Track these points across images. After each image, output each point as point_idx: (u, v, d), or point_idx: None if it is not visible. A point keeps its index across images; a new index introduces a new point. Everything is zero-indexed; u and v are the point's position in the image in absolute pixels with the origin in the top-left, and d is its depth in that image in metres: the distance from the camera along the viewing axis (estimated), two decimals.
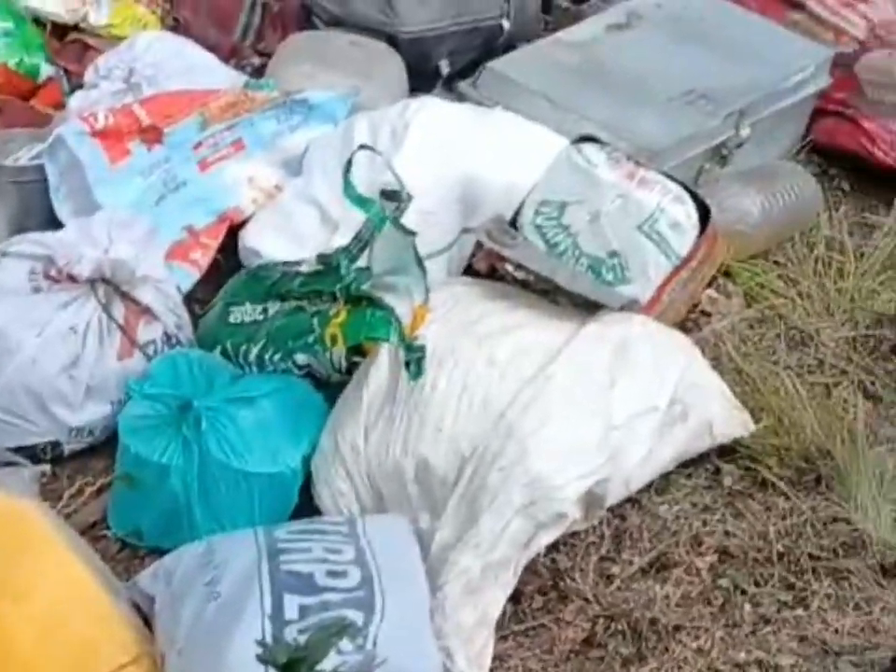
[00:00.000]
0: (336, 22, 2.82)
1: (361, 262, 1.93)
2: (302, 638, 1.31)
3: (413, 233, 1.93)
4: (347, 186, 1.96)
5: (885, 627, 1.77)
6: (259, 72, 2.82)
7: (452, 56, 2.87)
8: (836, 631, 1.77)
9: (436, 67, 2.85)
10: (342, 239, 2.09)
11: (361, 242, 1.93)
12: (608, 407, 1.89)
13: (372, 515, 1.81)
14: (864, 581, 1.84)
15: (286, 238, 2.23)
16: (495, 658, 1.71)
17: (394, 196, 1.95)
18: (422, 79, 2.80)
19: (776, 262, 2.58)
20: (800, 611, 1.79)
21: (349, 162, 1.95)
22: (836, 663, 1.69)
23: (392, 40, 2.78)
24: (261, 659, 1.12)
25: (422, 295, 1.88)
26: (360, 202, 1.97)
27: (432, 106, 2.34)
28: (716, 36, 2.76)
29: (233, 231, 2.31)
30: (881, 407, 2.26)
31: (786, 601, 1.81)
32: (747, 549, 1.90)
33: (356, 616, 1.49)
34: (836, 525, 1.93)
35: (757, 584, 1.84)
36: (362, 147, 2.03)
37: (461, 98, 2.62)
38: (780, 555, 1.88)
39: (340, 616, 1.45)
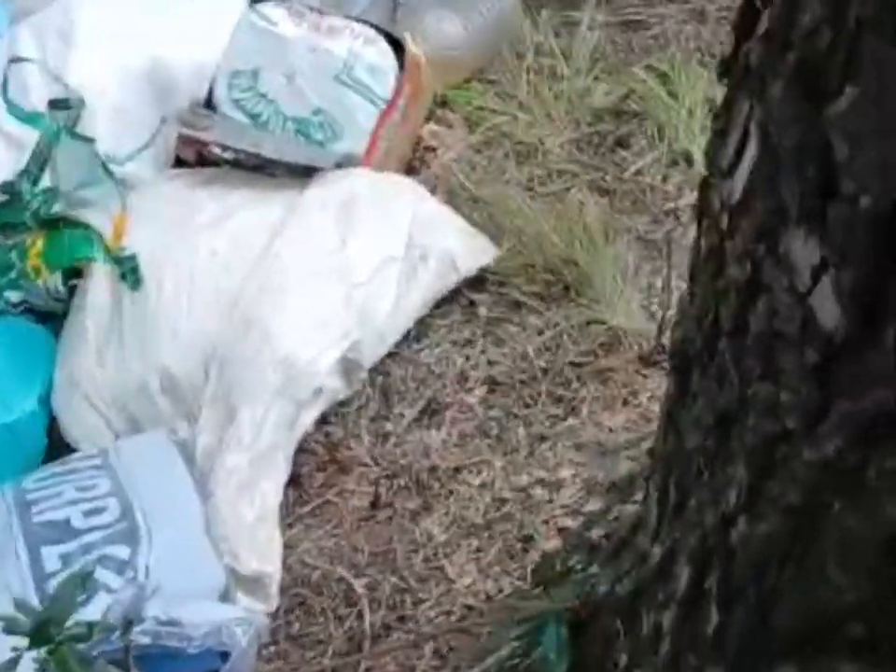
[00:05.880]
0: None
1: (46, 182, 1.81)
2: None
3: (91, 140, 1.81)
4: (8, 105, 1.81)
5: (654, 414, 1.80)
6: None
7: None
8: (610, 430, 1.80)
9: None
10: None
11: (39, 161, 1.80)
12: (344, 268, 1.84)
13: (126, 438, 1.74)
14: (627, 375, 1.87)
15: None
16: (285, 547, 1.68)
17: (63, 104, 1.81)
18: None
19: (490, 81, 2.54)
20: (572, 420, 1.81)
21: (4, 80, 1.80)
22: (615, 462, 1.72)
23: None
24: (7, 631, 1.06)
25: (117, 202, 1.77)
26: (28, 118, 1.82)
27: None
28: None
29: None
30: (615, 199, 2.28)
31: (557, 414, 1.82)
32: (512, 373, 1.90)
33: (121, 551, 1.44)
34: (591, 327, 1.94)
35: (527, 406, 1.84)
36: (13, 60, 1.88)
37: None
38: (544, 371, 1.89)
39: (94, 559, 1.38)
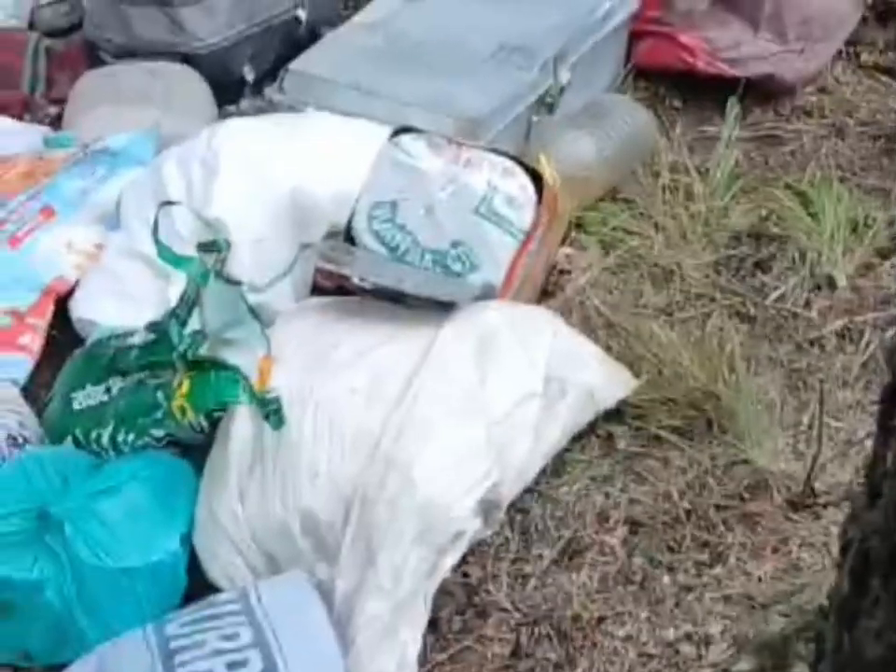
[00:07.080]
0: (125, 53, 2.68)
1: (194, 323, 1.82)
2: None
3: (238, 283, 1.83)
4: (160, 249, 1.84)
5: (806, 563, 1.74)
6: (58, 120, 2.67)
7: (254, 60, 2.75)
8: (759, 580, 1.73)
9: (240, 76, 2.73)
10: (176, 289, 1.98)
11: (188, 303, 1.82)
12: (483, 406, 1.82)
13: (267, 580, 1.72)
14: (775, 520, 1.81)
15: (118, 299, 2.11)
16: None
17: (211, 247, 1.83)
18: (228, 92, 2.68)
19: (624, 200, 2.52)
20: (719, 569, 1.75)
21: (156, 224, 1.83)
22: (766, 617, 1.65)
23: (188, 59, 2.66)
24: None
25: (263, 344, 1.78)
26: (177, 262, 1.85)
27: (238, 128, 2.22)
28: None
29: (62, 303, 2.18)
30: (756, 326, 2.23)
31: (703, 561, 1.76)
32: (654, 514, 1.85)
33: None
34: (736, 468, 1.89)
35: (671, 550, 1.79)
36: (164, 203, 1.91)
37: (271, 105, 2.51)
38: (688, 513, 1.84)
39: None
